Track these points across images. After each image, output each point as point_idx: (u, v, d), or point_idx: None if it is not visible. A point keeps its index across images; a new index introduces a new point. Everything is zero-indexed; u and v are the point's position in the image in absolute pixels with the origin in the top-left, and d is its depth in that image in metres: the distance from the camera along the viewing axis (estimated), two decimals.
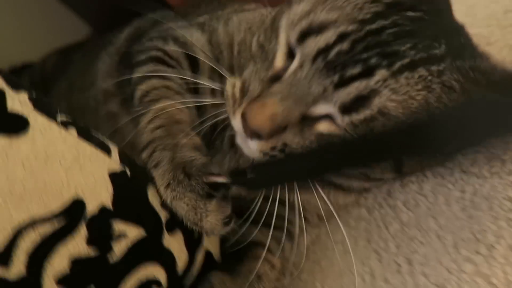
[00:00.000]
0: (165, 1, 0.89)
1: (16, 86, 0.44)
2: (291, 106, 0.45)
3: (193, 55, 0.67)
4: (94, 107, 0.81)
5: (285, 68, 0.48)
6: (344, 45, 0.43)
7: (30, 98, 0.44)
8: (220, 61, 0.67)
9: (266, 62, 0.51)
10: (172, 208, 0.50)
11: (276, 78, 0.48)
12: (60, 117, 0.46)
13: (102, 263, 0.46)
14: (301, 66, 0.45)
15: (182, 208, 0.49)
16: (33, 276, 0.41)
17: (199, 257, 0.56)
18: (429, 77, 0.43)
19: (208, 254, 0.57)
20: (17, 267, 0.40)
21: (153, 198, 0.52)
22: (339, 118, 0.46)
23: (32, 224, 0.41)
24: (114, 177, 0.48)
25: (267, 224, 0.55)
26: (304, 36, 0.45)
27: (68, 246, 0.43)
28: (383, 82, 0.43)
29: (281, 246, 0.58)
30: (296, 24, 0.47)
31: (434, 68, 0.43)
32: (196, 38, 0.70)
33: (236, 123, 0.50)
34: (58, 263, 0.43)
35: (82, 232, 0.44)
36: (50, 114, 0.45)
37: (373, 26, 0.43)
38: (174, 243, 0.53)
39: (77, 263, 0.44)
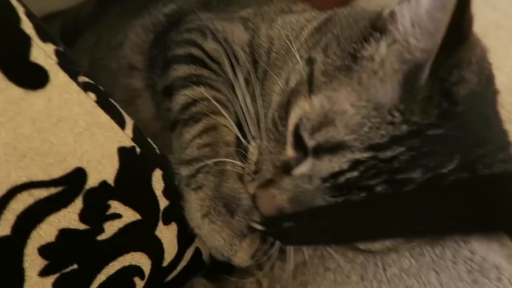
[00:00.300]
0: None
1: (44, 35, 0.41)
2: (296, 206, 0.47)
3: (233, 53, 0.64)
4: (115, 71, 0.78)
5: (295, 160, 0.48)
6: (355, 173, 0.43)
7: (57, 52, 0.41)
8: (258, 64, 0.64)
9: (279, 145, 0.51)
10: (204, 238, 0.50)
11: (287, 168, 0.49)
12: (82, 78, 0.43)
13: (89, 240, 0.44)
14: (310, 178, 0.46)
15: (218, 241, 0.49)
16: (17, 238, 0.38)
17: (188, 253, 0.53)
18: None
19: (197, 253, 0.54)
20: (3, 226, 0.37)
21: (156, 183, 0.49)
22: None
23: (29, 186, 0.38)
24: (123, 152, 0.45)
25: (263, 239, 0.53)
26: (319, 149, 0.45)
27: (59, 215, 0.41)
28: None
29: (272, 264, 0.56)
30: (311, 126, 0.46)
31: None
32: (237, 35, 0.66)
33: (249, 194, 0.51)
34: (45, 230, 0.40)
35: (77, 203, 0.42)
36: (73, 73, 0.42)
37: (388, 153, 0.42)
38: (167, 234, 0.50)
39: (64, 235, 0.41)
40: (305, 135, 0.46)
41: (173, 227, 0.51)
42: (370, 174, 0.43)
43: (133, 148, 0.47)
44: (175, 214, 0.51)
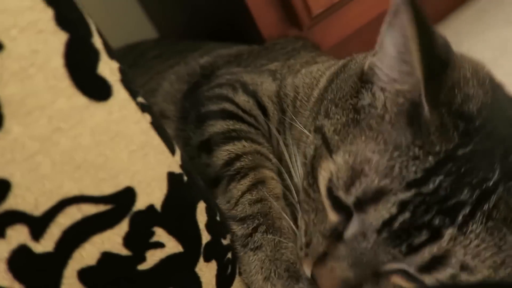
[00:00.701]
0: (258, 31, 0.88)
1: (111, 53, 0.41)
2: (361, 271, 0.44)
3: (262, 104, 0.66)
4: None
5: (341, 223, 0.46)
6: (406, 214, 0.41)
7: (120, 70, 0.41)
8: (286, 113, 0.65)
9: (319, 213, 0.49)
10: None
11: (337, 234, 0.46)
12: (140, 99, 0.43)
13: (129, 268, 0.40)
14: (364, 235, 0.43)
15: None
16: (59, 256, 0.35)
17: None
18: (488, 221, 0.41)
19: None
20: (47, 241, 0.35)
21: (200, 216, 0.46)
22: (418, 275, 0.43)
23: (79, 200, 0.36)
24: (172, 177, 0.44)
25: None
26: (360, 202, 0.44)
27: (104, 236, 0.38)
28: (454, 241, 0.41)
29: None
30: (343, 184, 0.44)
31: (486, 206, 0.41)
32: (265, 87, 0.68)
33: (307, 273, 0.48)
34: (88, 251, 0.37)
35: (123, 225, 0.39)
36: (133, 92, 0.42)
37: (430, 186, 0.41)
38: (207, 273, 0.46)
39: (106, 259, 0.38)
40: (341, 194, 0.45)
41: (213, 266, 0.47)
42: (421, 211, 0.41)
43: (181, 175, 0.45)
44: (216, 251, 0.48)
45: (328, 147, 0.48)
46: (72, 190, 0.36)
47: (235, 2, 0.89)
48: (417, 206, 0.41)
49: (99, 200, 0.37)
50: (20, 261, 0.34)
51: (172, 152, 0.45)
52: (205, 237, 0.46)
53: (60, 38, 0.35)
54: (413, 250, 0.42)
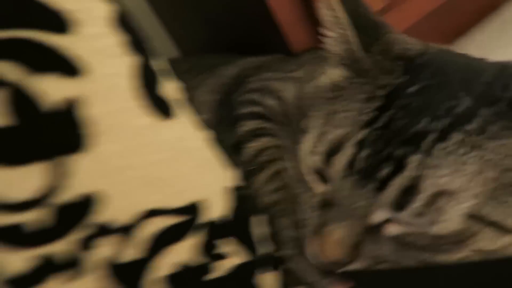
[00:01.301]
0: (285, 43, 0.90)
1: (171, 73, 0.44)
2: (350, 225, 0.43)
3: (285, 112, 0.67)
4: None
5: (326, 192, 0.47)
6: (364, 152, 0.42)
7: (181, 88, 0.44)
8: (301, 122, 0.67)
9: (308, 192, 0.50)
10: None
11: (325, 202, 0.47)
12: (201, 116, 0.45)
13: (199, 278, 0.42)
14: (337, 186, 0.44)
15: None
16: (140, 266, 0.37)
17: None
18: (469, 138, 0.40)
19: None
20: (131, 252, 0.37)
21: (261, 227, 0.48)
22: (399, 217, 0.42)
23: (156, 213, 0.38)
24: (234, 192, 0.45)
25: None
26: (327, 159, 0.45)
27: (178, 247, 0.40)
28: (419, 165, 0.40)
29: None
30: (315, 150, 0.47)
31: (469, 127, 0.40)
32: (287, 95, 0.70)
33: (312, 253, 0.47)
34: (164, 262, 0.39)
35: (196, 236, 0.41)
36: (193, 110, 0.44)
37: (381, 120, 0.42)
38: (268, 280, 0.47)
39: (179, 269, 0.40)
40: (314, 160, 0.47)
41: (273, 277, 0.48)
42: (380, 144, 0.41)
43: (241, 188, 0.47)
44: (274, 261, 0.49)
45: (302, 130, 0.50)
46: (156, 202, 0.38)
47: (266, 20, 0.91)
48: (374, 141, 0.42)
49: (175, 212, 0.39)
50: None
51: (230, 167, 0.47)
52: (264, 248, 0.48)
53: (135, 61, 0.38)
54: (381, 187, 0.41)
